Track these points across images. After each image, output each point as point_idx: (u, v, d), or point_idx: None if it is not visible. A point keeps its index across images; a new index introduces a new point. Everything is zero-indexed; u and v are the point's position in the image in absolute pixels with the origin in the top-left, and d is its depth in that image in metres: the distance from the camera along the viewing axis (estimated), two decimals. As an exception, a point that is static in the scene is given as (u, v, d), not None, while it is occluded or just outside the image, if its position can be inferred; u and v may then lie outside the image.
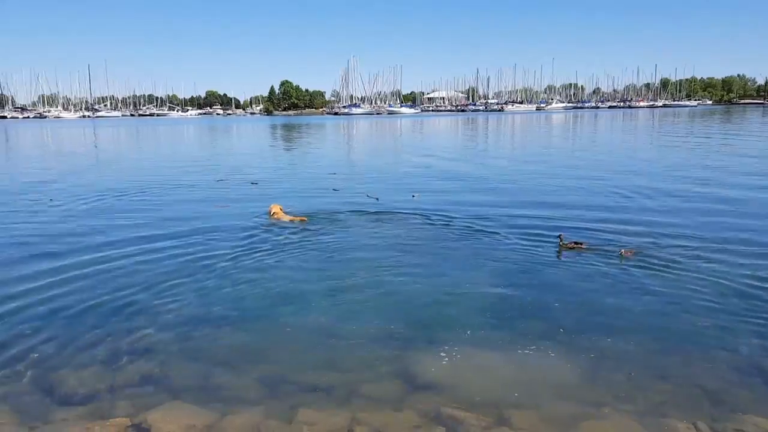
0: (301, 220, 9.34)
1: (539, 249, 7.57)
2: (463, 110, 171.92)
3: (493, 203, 11.14)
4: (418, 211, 10.51)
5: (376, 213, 10.59)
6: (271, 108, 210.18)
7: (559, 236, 7.68)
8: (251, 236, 8.82)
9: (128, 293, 6.51)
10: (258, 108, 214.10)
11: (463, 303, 5.87)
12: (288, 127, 73.85)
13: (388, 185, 14.51)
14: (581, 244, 7.32)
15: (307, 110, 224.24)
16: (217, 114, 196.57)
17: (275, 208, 9.73)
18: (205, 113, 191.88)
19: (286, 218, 9.40)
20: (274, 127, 77.82)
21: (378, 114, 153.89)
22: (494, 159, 19.45)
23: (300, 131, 59.89)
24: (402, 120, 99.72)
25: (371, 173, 17.59)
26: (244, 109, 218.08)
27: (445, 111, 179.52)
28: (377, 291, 6.36)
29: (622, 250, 6.71)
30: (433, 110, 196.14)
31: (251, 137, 49.84)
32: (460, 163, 20.97)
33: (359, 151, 30.05)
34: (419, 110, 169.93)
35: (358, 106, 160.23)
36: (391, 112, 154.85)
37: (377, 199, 11.70)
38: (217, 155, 27.19)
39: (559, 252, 7.23)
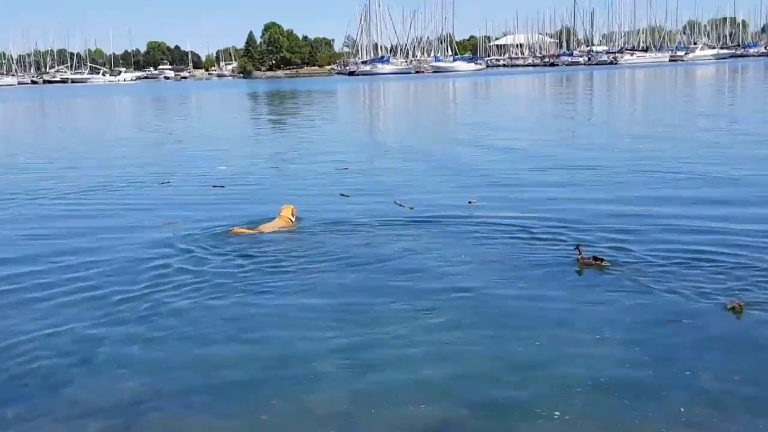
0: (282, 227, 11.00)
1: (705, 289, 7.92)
2: (552, 64, 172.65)
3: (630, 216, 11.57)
4: (484, 221, 11.40)
5: (412, 223, 11.51)
6: (249, 66, 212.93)
7: (576, 247, 8.83)
8: (220, 264, 9.71)
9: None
10: (230, 67, 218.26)
11: (564, 385, 5.94)
12: (276, 97, 75.35)
13: (431, 184, 15.56)
14: (601, 260, 8.48)
15: (306, 69, 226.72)
16: (166, 78, 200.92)
17: (286, 212, 11.36)
18: (146, 77, 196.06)
19: (269, 228, 10.96)
20: (254, 96, 79.46)
21: (418, 73, 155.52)
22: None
23: (294, 102, 61.28)
24: (455, 81, 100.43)
25: (403, 167, 18.72)
26: (207, 70, 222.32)
27: (523, 66, 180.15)
28: (421, 358, 6.53)
29: (729, 302, 7.24)
30: (504, 65, 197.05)
31: (217, 114, 51.27)
32: (554, 147, 21.72)
33: (385, 132, 31.81)
34: (482, 65, 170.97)
35: (387, 61, 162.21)
36: (438, 70, 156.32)
37: (411, 207, 12.49)
38: (163, 144, 28.32)
39: (579, 270, 8.48)
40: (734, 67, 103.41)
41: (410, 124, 35.14)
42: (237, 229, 11.04)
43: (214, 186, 16.38)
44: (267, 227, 11.08)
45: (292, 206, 11.66)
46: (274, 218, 11.41)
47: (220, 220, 12.27)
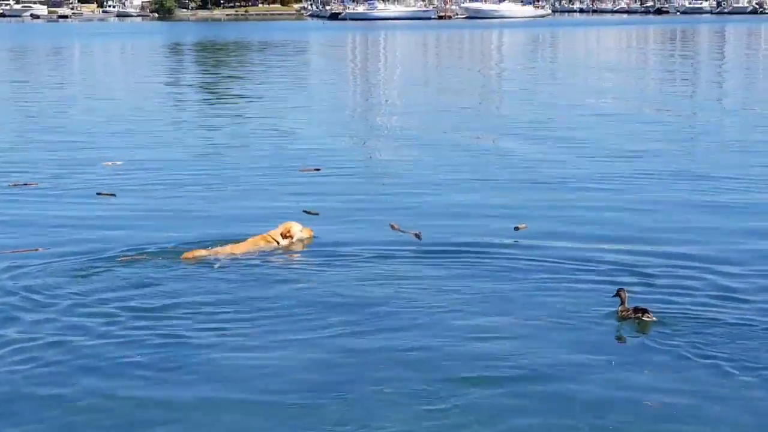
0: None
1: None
2: (660, 10, 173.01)
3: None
4: (532, 256, 12.45)
5: (417, 259, 12.41)
6: (169, 2, 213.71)
7: (618, 293, 10.12)
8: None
9: None
10: (138, 2, 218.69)
11: None
12: (208, 52, 75.84)
13: (453, 195, 16.56)
14: (645, 313, 9.78)
15: (262, 7, 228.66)
16: (34, 17, 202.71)
17: (276, 231, 13.13)
18: (1, 15, 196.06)
19: (228, 251, 12.68)
20: (173, 50, 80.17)
21: (442, 18, 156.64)
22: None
23: (239, 61, 61.21)
24: (502, 34, 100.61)
25: (407, 166, 19.86)
26: (101, 6, 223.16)
27: (612, 13, 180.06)
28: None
29: None
30: (582, 10, 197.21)
31: (108, 79, 51.65)
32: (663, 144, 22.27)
33: (384, 112, 33.00)
34: (546, 9, 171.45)
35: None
36: (474, 15, 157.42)
37: (418, 236, 13.42)
38: (20, 126, 28.50)
39: (619, 322, 9.91)
40: None
41: (424, 100, 35.34)
42: (188, 255, 12.44)
43: (99, 194, 16.78)
44: (227, 250, 12.62)
45: (291, 224, 13.24)
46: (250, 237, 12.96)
47: (100, 249, 12.60)
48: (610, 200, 16.06)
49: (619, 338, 9.60)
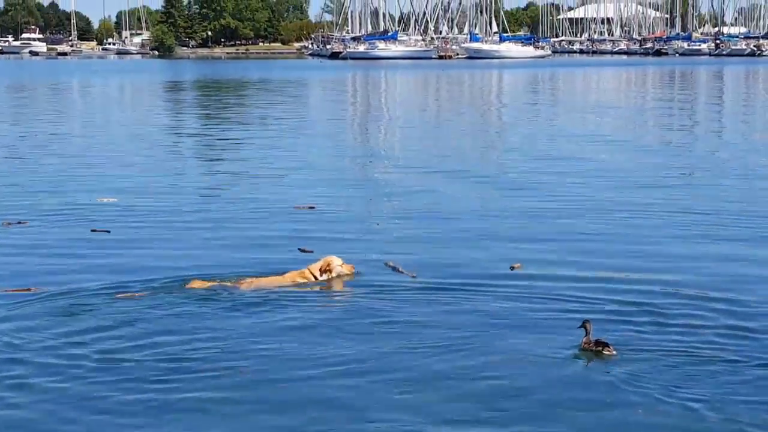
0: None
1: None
2: (659, 52, 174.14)
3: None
4: (530, 291, 12.66)
5: (416, 298, 12.39)
6: (169, 39, 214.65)
7: (583, 325, 10.24)
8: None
9: None
10: (138, 39, 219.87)
11: None
12: (209, 90, 75.87)
13: (451, 234, 16.56)
14: (606, 347, 9.97)
15: (262, 46, 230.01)
16: (33, 54, 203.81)
17: (315, 266, 13.24)
18: (1, 51, 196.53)
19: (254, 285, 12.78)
20: (173, 88, 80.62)
21: (442, 58, 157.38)
22: None
23: (239, 98, 61.37)
24: (503, 74, 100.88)
25: (404, 204, 19.85)
26: (101, 42, 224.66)
27: (611, 54, 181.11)
28: None
29: None
30: (582, 51, 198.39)
31: (106, 115, 52.05)
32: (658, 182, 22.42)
33: (383, 150, 33.31)
34: (546, 50, 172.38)
35: (393, 38, 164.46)
36: (474, 55, 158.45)
37: (413, 276, 13.47)
38: (11, 161, 28.74)
39: (582, 356, 10.01)
40: None
41: (423, 138, 35.41)
42: (197, 283, 12.65)
43: (93, 230, 16.80)
44: (252, 283, 12.73)
45: (332, 259, 13.29)
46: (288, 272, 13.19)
47: (91, 286, 12.63)
48: (607, 233, 16.26)
49: (590, 374, 9.62)
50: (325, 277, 12.99)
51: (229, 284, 12.63)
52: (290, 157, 28.47)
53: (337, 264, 13.17)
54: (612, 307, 11.73)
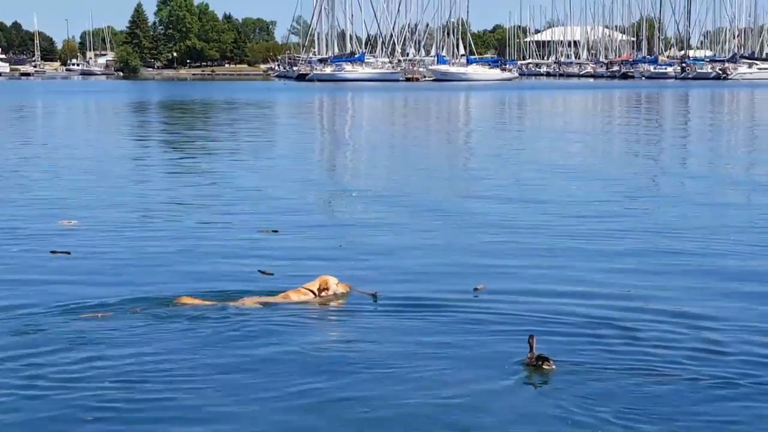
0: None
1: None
2: (626, 75, 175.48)
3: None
4: (494, 311, 12.92)
5: (377, 320, 12.56)
6: (134, 60, 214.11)
7: (528, 340, 10.53)
8: None
9: None
10: (103, 60, 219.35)
11: None
12: (174, 111, 75.76)
13: (414, 253, 16.95)
14: (546, 361, 10.28)
15: (228, 67, 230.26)
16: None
17: (327, 283, 13.47)
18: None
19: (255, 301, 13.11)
20: (137, 109, 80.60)
21: (409, 81, 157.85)
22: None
23: (204, 121, 61.33)
24: (470, 97, 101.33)
25: (370, 228, 19.96)
26: (65, 63, 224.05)
27: (578, 77, 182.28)
28: None
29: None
30: (549, 74, 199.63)
31: (68, 136, 52.78)
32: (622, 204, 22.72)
33: (348, 173, 33.70)
34: (514, 73, 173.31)
35: (360, 60, 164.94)
36: (442, 77, 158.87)
37: (374, 295, 13.64)
38: None
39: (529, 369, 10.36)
40: None
41: (389, 164, 35.59)
42: (185, 300, 12.90)
43: (53, 252, 16.79)
44: (255, 300, 13.02)
45: (328, 278, 13.50)
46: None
47: (51, 307, 12.64)
48: (572, 255, 16.48)
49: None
50: (323, 295, 13.24)
51: (229, 303, 12.84)
52: (256, 180, 28.51)
53: (333, 283, 13.42)
54: (570, 325, 12.04)
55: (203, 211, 22.18)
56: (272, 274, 14.73)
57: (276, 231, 18.96)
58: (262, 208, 22.43)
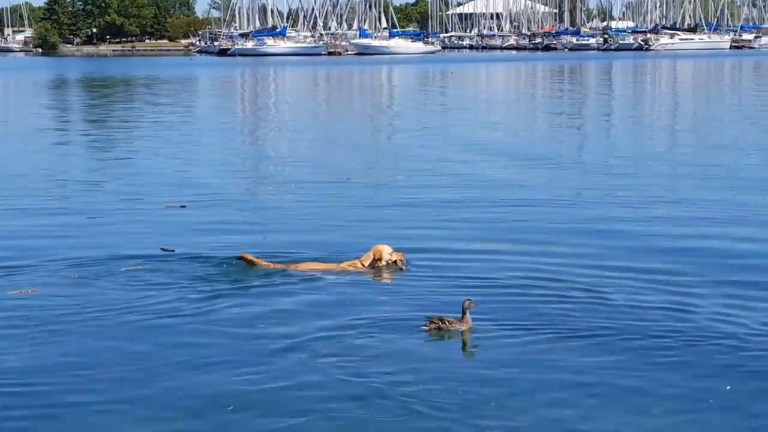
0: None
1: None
2: (548, 47, 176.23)
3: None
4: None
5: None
6: (53, 37, 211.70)
7: (463, 305, 10.88)
8: None
9: None
10: (21, 37, 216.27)
11: None
12: (92, 87, 75.06)
13: (324, 231, 16.66)
14: (442, 322, 10.81)
15: (149, 43, 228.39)
16: None
17: (381, 254, 13.74)
18: None
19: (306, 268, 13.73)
20: (55, 86, 79.53)
21: (332, 54, 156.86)
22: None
23: (123, 96, 60.78)
24: (392, 71, 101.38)
25: (279, 206, 20.00)
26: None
27: (501, 49, 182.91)
28: None
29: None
30: (471, 46, 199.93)
31: None
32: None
33: (264, 150, 33.54)
34: (437, 46, 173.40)
35: (281, 35, 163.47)
36: (364, 51, 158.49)
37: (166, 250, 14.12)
38: None
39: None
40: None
41: (307, 139, 35.30)
42: (249, 257, 13.64)
43: None
44: (306, 267, 13.65)
45: (382, 248, 13.74)
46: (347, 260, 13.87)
47: None
48: (494, 221, 17.05)
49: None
50: (377, 265, 13.49)
51: (284, 267, 13.48)
52: (170, 156, 28.35)
53: (387, 253, 13.60)
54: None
55: (114, 185, 22.13)
56: (173, 251, 14.67)
57: (184, 206, 18.86)
58: (174, 184, 22.32)
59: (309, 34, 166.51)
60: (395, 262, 13.59)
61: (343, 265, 13.69)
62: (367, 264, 13.55)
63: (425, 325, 10.78)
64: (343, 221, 17.33)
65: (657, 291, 12.29)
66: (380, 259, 13.54)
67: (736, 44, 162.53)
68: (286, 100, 59.65)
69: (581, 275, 13.07)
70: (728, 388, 8.98)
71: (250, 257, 13.61)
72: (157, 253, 14.44)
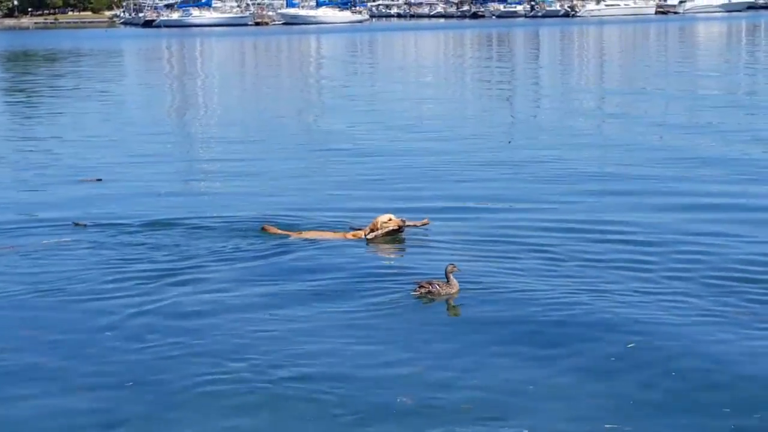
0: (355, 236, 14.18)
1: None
2: (476, 14, 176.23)
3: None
4: None
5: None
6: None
7: (446, 270, 11.30)
8: None
9: None
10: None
11: None
12: (13, 61, 74.19)
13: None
14: (422, 286, 11.22)
15: (72, 14, 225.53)
16: None
17: (378, 221, 14.05)
18: None
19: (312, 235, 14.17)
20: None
21: (259, 25, 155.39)
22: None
23: (49, 68, 60.56)
24: (320, 40, 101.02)
25: (193, 179, 20.44)
26: None
27: (429, 17, 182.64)
28: None
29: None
30: (400, 15, 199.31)
31: None
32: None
33: (187, 123, 33.25)
34: (365, 15, 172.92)
35: (207, 5, 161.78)
36: (291, 21, 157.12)
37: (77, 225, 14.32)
38: None
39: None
40: (754, 24, 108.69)
41: (231, 112, 35.40)
42: (270, 228, 14.27)
43: None
44: (312, 234, 14.16)
45: (379, 217, 14.04)
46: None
47: None
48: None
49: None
50: (372, 235, 13.79)
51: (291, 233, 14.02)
52: (89, 129, 28.25)
53: (383, 221, 13.90)
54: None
55: (32, 158, 22.24)
56: (86, 225, 14.65)
57: (100, 179, 18.84)
58: (94, 156, 22.37)
59: (235, 4, 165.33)
60: (397, 229, 13.83)
61: (347, 234, 14.11)
62: (367, 233, 13.85)
63: (415, 291, 11.10)
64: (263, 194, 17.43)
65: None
66: (376, 228, 13.83)
67: (661, 9, 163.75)
68: (212, 73, 59.11)
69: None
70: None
71: (269, 227, 14.14)
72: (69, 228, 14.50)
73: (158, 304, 10.92)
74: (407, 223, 13.98)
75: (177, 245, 13.39)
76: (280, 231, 14.13)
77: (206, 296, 11.21)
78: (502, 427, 7.94)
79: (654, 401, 8.35)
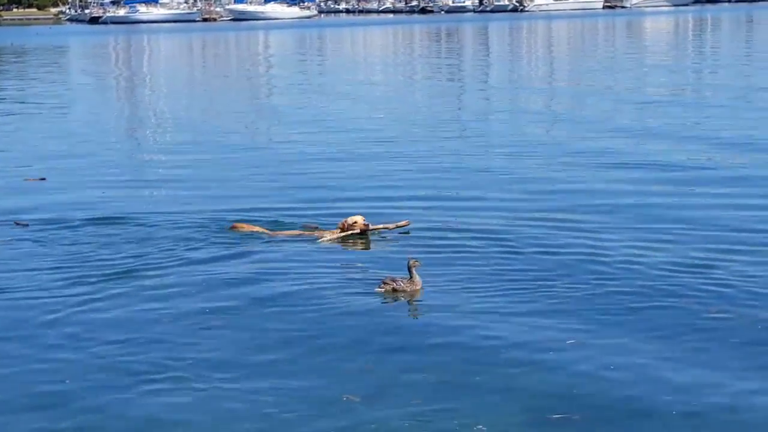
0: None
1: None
2: (425, 9, 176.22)
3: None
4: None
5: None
6: None
7: (408, 263, 11.36)
8: None
9: None
10: None
11: None
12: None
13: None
14: (384, 284, 11.30)
15: (17, 11, 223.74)
16: None
17: (345, 221, 14.23)
18: None
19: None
20: None
21: (207, 21, 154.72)
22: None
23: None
24: (268, 36, 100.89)
25: (137, 178, 20.19)
26: None
27: (378, 13, 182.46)
28: None
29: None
30: (348, 10, 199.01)
31: None
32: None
33: (132, 121, 33.59)
34: (312, 11, 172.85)
35: (153, 1, 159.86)
36: (239, 17, 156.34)
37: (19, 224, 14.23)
38: None
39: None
40: (700, 18, 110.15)
41: (177, 109, 35.44)
42: (239, 226, 14.39)
43: None
44: (285, 233, 14.34)
45: (350, 218, 14.15)
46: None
47: None
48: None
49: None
50: (334, 235, 13.95)
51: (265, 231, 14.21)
52: (34, 129, 28.08)
53: (349, 222, 14.03)
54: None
55: None
56: (27, 225, 14.67)
57: (44, 179, 18.82)
58: (37, 156, 22.33)
59: (184, 2, 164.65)
60: (361, 232, 13.92)
61: (317, 233, 14.15)
62: (336, 233, 13.95)
63: (380, 287, 11.17)
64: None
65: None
66: (344, 228, 13.94)
67: (609, 4, 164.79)
68: (160, 70, 59.00)
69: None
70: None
71: (240, 225, 14.28)
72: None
73: (97, 304, 10.91)
74: (386, 226, 14.07)
75: (120, 243, 13.39)
76: (254, 228, 14.22)
77: (148, 293, 11.26)
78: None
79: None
